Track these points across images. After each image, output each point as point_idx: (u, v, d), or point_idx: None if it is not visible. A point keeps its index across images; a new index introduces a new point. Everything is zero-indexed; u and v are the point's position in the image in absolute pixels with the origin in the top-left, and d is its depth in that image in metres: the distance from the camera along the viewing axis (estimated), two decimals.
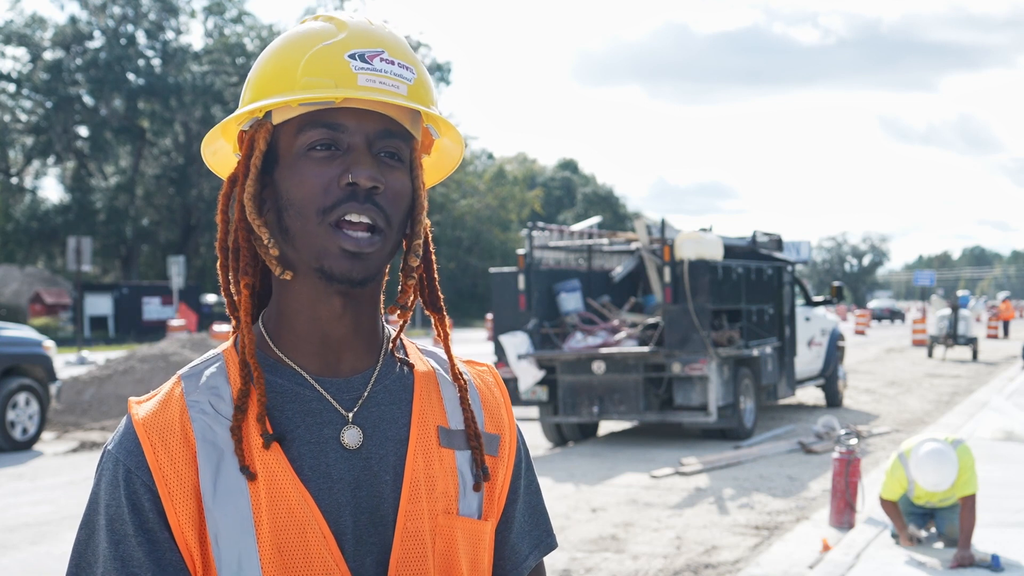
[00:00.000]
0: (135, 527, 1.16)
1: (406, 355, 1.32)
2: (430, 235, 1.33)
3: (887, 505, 6.54)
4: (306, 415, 1.21)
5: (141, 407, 1.23)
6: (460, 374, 1.32)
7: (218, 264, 1.27)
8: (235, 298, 1.25)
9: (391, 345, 1.31)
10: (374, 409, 1.24)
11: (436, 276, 1.33)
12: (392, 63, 1.21)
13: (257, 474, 1.17)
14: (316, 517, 1.17)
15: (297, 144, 1.20)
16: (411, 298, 1.30)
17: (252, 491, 1.17)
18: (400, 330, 1.33)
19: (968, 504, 6.28)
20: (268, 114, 1.23)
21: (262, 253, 1.22)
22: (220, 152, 1.33)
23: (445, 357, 1.35)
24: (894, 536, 6.66)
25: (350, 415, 1.23)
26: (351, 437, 1.21)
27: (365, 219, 1.18)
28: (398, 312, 1.30)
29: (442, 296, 1.34)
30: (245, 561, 1.16)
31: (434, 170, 1.37)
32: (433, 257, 1.33)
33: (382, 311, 1.30)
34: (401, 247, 1.27)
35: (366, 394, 1.24)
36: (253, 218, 1.21)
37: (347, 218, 1.17)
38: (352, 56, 1.20)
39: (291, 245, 1.21)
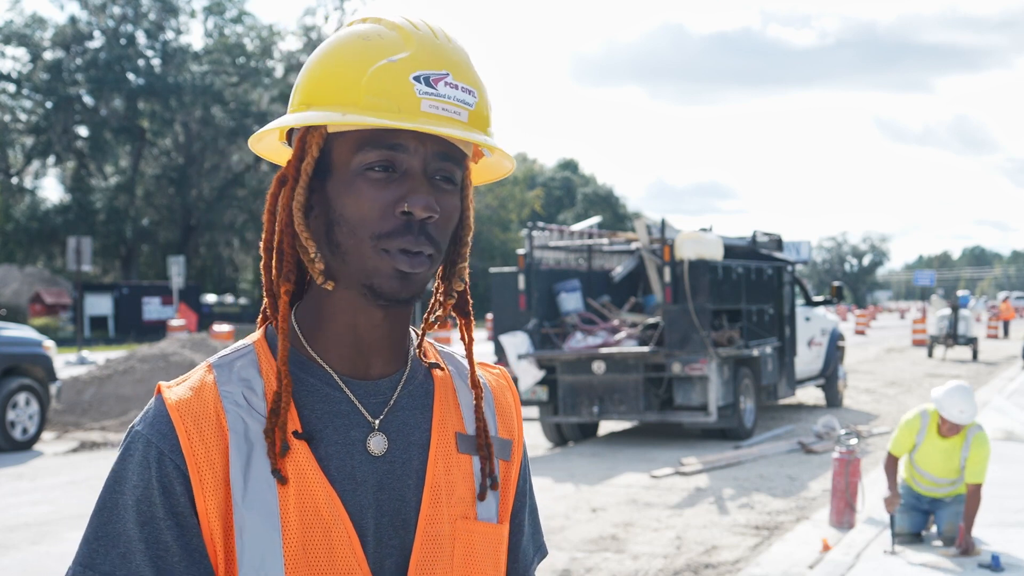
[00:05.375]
0: (165, 510, 1.15)
1: (425, 357, 1.33)
2: None
3: (890, 461, 6.72)
4: (334, 416, 1.22)
5: (172, 391, 1.22)
6: (478, 381, 1.32)
7: (262, 264, 1.26)
8: (276, 301, 1.24)
9: (418, 351, 1.32)
10: (399, 414, 1.25)
11: (467, 281, 1.32)
12: (456, 87, 1.19)
13: (288, 474, 1.18)
14: (342, 517, 1.18)
15: (354, 162, 1.18)
16: (445, 315, 1.31)
17: (280, 488, 1.18)
18: (423, 335, 1.33)
19: (974, 492, 6.44)
20: None
21: (306, 262, 1.22)
22: (267, 142, 1.32)
23: (461, 359, 1.37)
24: (894, 537, 6.66)
25: (376, 422, 1.23)
26: (376, 444, 1.22)
27: (418, 250, 1.18)
28: (433, 322, 1.31)
29: (471, 300, 1.33)
30: (268, 556, 1.16)
31: (478, 174, 1.36)
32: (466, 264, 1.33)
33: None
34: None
35: (393, 400, 1.25)
36: (301, 229, 1.20)
37: (402, 248, 1.17)
38: (417, 79, 1.17)
39: (340, 258, 1.20)
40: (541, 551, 1.42)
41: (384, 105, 1.17)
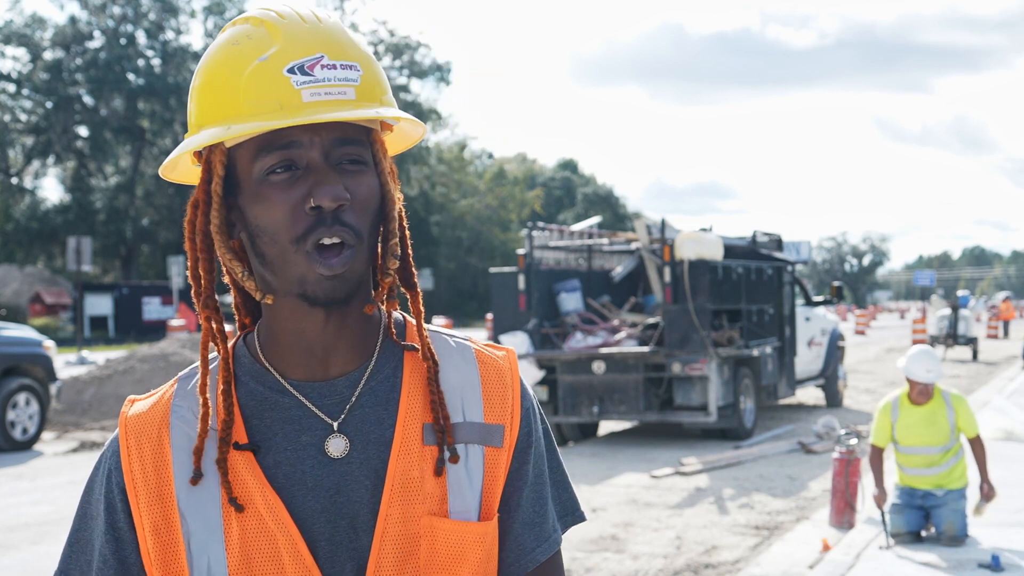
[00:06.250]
0: (107, 524, 1.22)
1: (400, 344, 1.27)
2: (404, 217, 1.27)
3: (875, 454, 6.84)
4: (284, 423, 1.20)
5: (133, 406, 1.26)
6: (431, 354, 1.25)
7: (192, 293, 1.23)
8: (212, 326, 1.22)
9: (393, 333, 1.28)
10: (357, 412, 1.21)
11: (410, 252, 1.28)
12: (334, 67, 1.15)
13: (236, 494, 1.18)
14: (286, 524, 1.17)
15: (255, 170, 1.16)
16: (385, 296, 1.26)
17: (224, 498, 1.18)
18: (390, 320, 1.28)
19: (976, 442, 6.71)
20: None
21: (240, 281, 1.20)
22: (180, 168, 1.29)
23: (456, 342, 1.30)
24: (892, 537, 6.67)
25: (335, 424, 1.20)
26: (336, 447, 1.20)
27: (336, 240, 1.14)
28: (381, 303, 1.26)
29: (415, 272, 1.29)
30: (214, 566, 1.17)
31: (394, 143, 1.31)
32: (408, 232, 1.28)
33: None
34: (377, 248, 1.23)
35: (354, 398, 1.22)
36: (223, 252, 1.19)
37: (321, 242, 1.14)
38: (291, 71, 1.14)
39: (270, 270, 1.18)
40: (547, 542, 1.28)
41: (266, 107, 1.13)
